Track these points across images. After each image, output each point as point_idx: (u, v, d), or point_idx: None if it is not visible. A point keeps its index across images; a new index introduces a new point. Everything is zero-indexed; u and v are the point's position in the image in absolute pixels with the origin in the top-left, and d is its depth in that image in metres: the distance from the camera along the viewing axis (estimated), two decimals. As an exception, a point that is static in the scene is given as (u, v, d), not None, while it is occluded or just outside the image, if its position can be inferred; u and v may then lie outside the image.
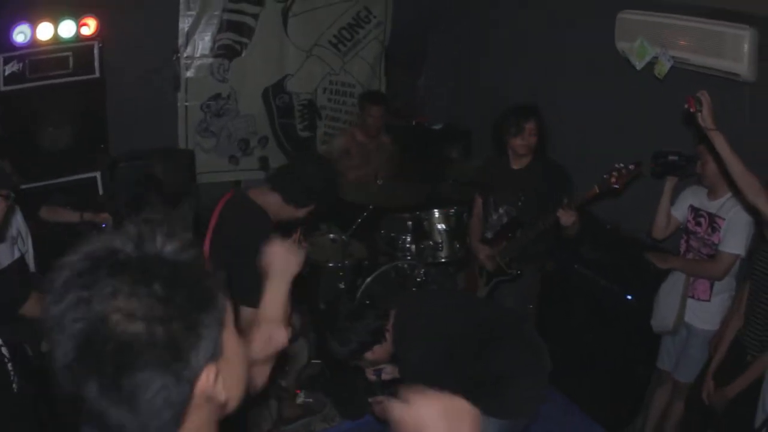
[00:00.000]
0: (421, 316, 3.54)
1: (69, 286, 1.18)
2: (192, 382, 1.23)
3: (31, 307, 3.10)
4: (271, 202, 3.65)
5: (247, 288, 3.30)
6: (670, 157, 4.30)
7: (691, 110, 3.38)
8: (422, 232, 5.75)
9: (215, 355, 1.26)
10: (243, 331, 3.15)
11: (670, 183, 4.45)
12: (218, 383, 1.28)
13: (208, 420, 1.33)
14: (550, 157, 4.89)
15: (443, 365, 3.31)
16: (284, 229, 4.04)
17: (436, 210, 5.74)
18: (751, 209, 3.67)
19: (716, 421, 4.13)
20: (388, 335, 3.46)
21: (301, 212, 3.74)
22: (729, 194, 4.21)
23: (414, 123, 7.60)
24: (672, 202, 4.54)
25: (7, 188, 3.01)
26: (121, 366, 1.15)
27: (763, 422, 2.75)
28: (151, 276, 1.19)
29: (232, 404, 1.40)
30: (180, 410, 1.23)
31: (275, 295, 2.58)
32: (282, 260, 2.61)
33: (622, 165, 4.28)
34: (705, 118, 3.39)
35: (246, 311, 3.35)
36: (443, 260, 5.75)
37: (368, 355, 3.50)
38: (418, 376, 3.27)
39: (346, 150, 6.21)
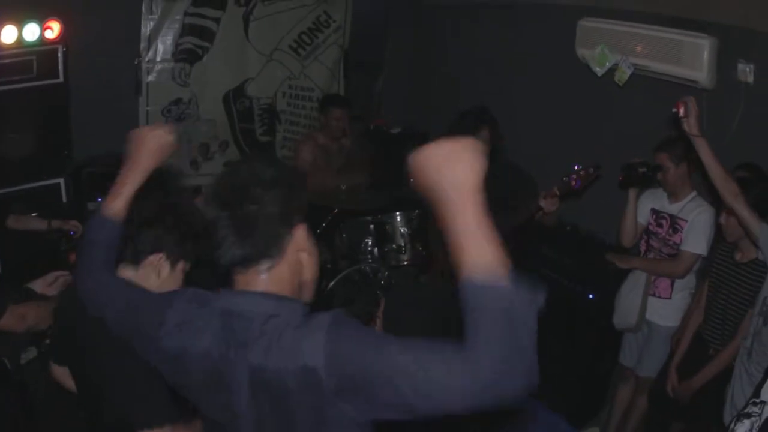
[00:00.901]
0: (409, 304, 3.57)
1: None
2: (291, 226, 1.85)
3: (8, 321, 2.98)
4: None
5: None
6: (640, 170, 4.34)
7: (680, 115, 3.49)
8: (385, 235, 5.78)
9: (301, 221, 1.88)
10: None
11: (633, 192, 4.52)
12: (308, 243, 1.90)
13: (295, 267, 1.88)
14: (509, 159, 4.91)
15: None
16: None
17: (398, 213, 5.75)
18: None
19: (679, 414, 4.28)
20: (378, 321, 3.48)
21: None
22: (690, 196, 4.37)
23: (372, 127, 7.63)
24: None
25: None
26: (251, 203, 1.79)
27: (734, 417, 2.87)
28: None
29: (306, 294, 1.94)
30: (283, 242, 1.84)
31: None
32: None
33: (581, 167, 4.36)
34: (691, 125, 3.49)
35: None
36: (406, 263, 5.76)
37: None
38: None
39: (312, 160, 6.21)
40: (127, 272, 2.47)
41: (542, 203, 4.43)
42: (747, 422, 2.74)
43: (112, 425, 2.51)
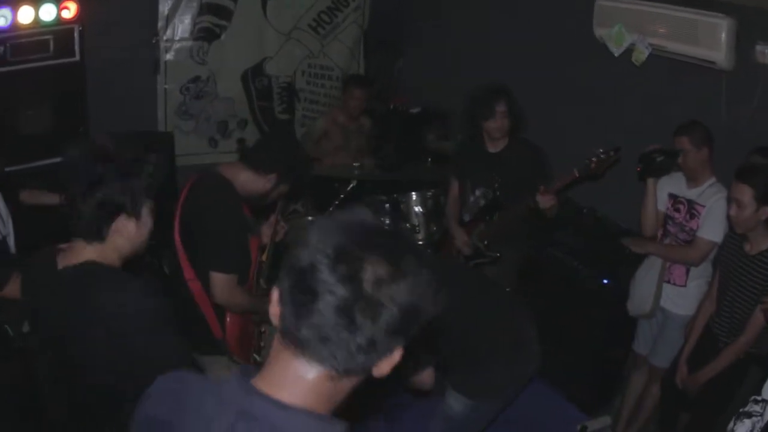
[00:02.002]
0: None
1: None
2: (393, 352, 1.41)
3: (12, 289, 2.99)
4: (238, 174, 3.63)
5: (217, 255, 3.38)
6: (658, 159, 4.29)
7: None
8: (399, 214, 5.77)
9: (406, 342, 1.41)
10: (215, 295, 3.27)
11: (652, 181, 4.46)
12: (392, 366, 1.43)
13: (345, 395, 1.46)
14: (527, 139, 4.91)
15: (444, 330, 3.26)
16: (262, 210, 4.09)
17: (413, 192, 5.74)
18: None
19: (687, 405, 4.23)
20: None
21: (265, 182, 3.68)
22: (709, 182, 4.28)
23: (392, 106, 7.62)
24: None
25: None
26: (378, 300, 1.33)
27: (735, 416, 2.81)
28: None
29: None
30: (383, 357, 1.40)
31: None
32: None
33: (602, 151, 4.33)
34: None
35: (215, 276, 3.43)
36: (420, 242, 5.75)
37: None
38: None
39: (325, 132, 6.24)
40: (88, 250, 2.46)
41: (538, 199, 4.43)
42: (748, 422, 2.69)
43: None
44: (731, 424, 2.77)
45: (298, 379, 1.39)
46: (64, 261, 2.48)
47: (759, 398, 2.74)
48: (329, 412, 1.44)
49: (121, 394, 2.47)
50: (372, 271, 1.32)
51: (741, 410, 2.78)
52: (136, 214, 2.47)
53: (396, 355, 1.40)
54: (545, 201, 4.45)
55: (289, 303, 1.36)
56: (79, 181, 2.38)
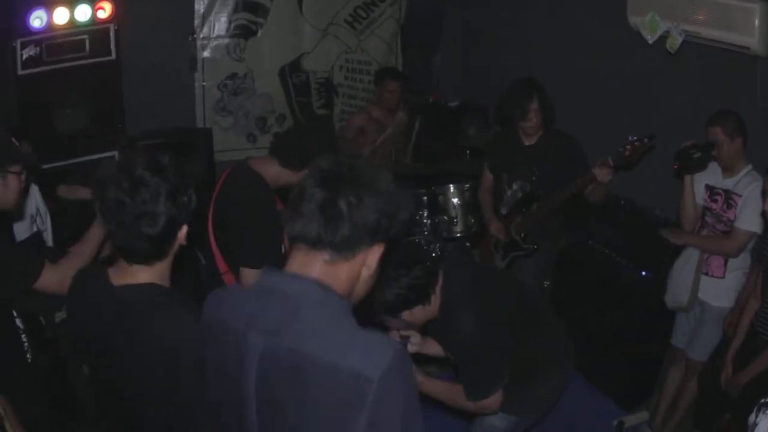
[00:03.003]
0: (473, 288, 3.23)
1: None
2: (376, 239, 1.86)
3: (45, 281, 2.96)
4: (269, 168, 3.63)
5: (246, 250, 3.39)
6: (695, 155, 4.21)
7: None
8: (437, 206, 5.75)
9: (386, 240, 1.89)
10: None
11: (689, 177, 4.40)
12: (376, 264, 1.91)
13: (354, 275, 1.89)
14: (560, 130, 4.89)
15: (491, 344, 3.12)
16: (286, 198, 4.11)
17: (451, 185, 5.72)
18: None
19: (731, 404, 4.12)
20: (434, 298, 3.10)
21: (297, 177, 3.55)
22: (745, 170, 4.19)
23: (431, 100, 7.60)
24: None
25: (19, 164, 2.97)
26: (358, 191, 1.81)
27: (756, 408, 2.72)
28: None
29: (356, 298, 1.94)
30: (363, 248, 1.85)
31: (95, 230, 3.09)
32: None
33: (636, 138, 4.26)
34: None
35: (246, 272, 3.44)
36: (458, 235, 5.74)
37: (406, 314, 3.11)
38: (464, 349, 3.17)
39: (361, 128, 6.25)
40: (148, 270, 2.33)
41: (596, 172, 4.36)
42: None
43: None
44: (753, 416, 2.69)
45: (306, 264, 1.83)
46: (118, 279, 2.34)
47: None
48: (342, 289, 1.86)
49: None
50: (348, 180, 1.80)
51: (762, 401, 2.70)
52: (189, 220, 2.36)
53: (379, 249, 1.88)
54: (604, 174, 4.35)
55: (287, 213, 1.84)
56: (124, 212, 2.19)
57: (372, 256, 1.87)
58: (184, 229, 2.32)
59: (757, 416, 2.65)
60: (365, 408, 1.65)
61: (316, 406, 1.72)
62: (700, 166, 4.32)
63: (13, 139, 3.15)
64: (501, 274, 4.32)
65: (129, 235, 2.22)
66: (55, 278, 2.95)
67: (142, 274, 2.30)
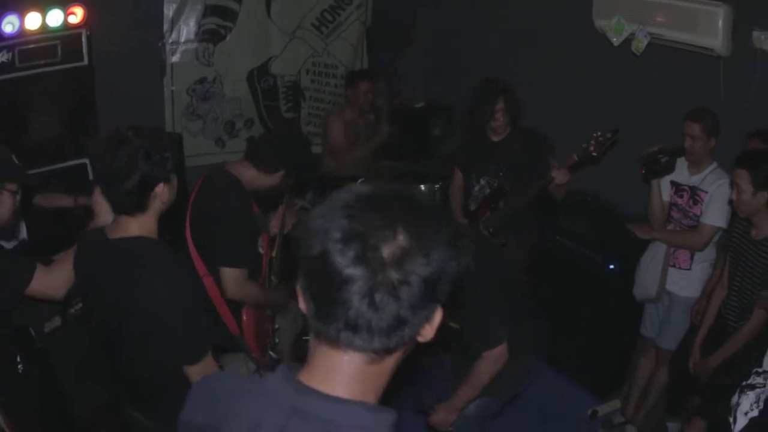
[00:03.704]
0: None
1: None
2: (431, 318, 1.38)
3: (37, 284, 2.99)
4: (245, 171, 3.76)
5: (225, 251, 3.48)
6: (662, 160, 4.36)
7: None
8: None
9: (444, 301, 1.38)
10: (227, 290, 3.39)
11: (656, 181, 4.53)
12: (435, 328, 1.40)
13: (388, 376, 1.45)
14: (529, 127, 4.98)
15: (495, 298, 3.37)
16: (269, 203, 4.17)
17: (421, 186, 5.79)
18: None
19: (698, 389, 4.26)
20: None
21: (272, 179, 3.82)
22: (711, 168, 4.35)
23: (396, 102, 7.67)
24: None
25: (17, 181, 3.03)
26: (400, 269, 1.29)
27: (738, 390, 2.85)
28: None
29: None
30: (419, 328, 1.36)
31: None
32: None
33: (599, 134, 4.39)
34: None
35: (226, 271, 3.53)
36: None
37: None
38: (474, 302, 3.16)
39: (343, 131, 6.28)
40: (131, 221, 2.63)
41: (554, 174, 4.47)
42: (752, 394, 2.74)
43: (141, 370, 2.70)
44: (735, 398, 2.82)
45: (341, 371, 1.37)
46: (113, 233, 2.67)
47: (760, 370, 2.79)
48: (379, 395, 1.43)
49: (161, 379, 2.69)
50: (385, 247, 1.28)
51: (744, 383, 2.83)
52: (166, 180, 2.62)
53: (436, 318, 1.38)
54: (561, 175, 4.48)
55: (310, 300, 1.35)
56: (109, 167, 2.55)
57: (430, 329, 1.40)
58: (161, 185, 2.61)
59: (739, 397, 2.78)
60: None
61: None
62: (667, 170, 4.46)
63: (13, 157, 3.14)
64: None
65: (112, 189, 2.59)
66: (47, 281, 3.02)
67: (132, 227, 2.63)
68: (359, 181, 4.52)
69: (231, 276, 3.57)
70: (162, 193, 2.62)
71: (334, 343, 1.35)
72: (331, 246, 1.28)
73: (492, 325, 3.37)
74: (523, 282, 4.12)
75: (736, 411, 2.78)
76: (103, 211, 3.04)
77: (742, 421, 2.69)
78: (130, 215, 2.63)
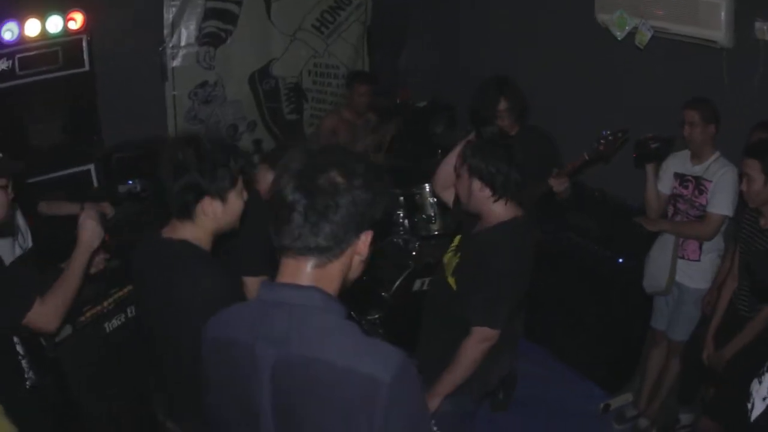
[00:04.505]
0: (523, 234, 3.48)
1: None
2: (361, 229, 1.85)
3: (33, 317, 2.94)
4: (263, 179, 3.72)
5: (243, 260, 3.44)
6: (652, 145, 4.36)
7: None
8: (414, 206, 5.81)
9: (372, 226, 1.88)
10: (247, 298, 3.36)
11: (651, 167, 4.53)
12: (367, 249, 1.89)
13: (346, 268, 1.90)
14: (536, 126, 4.94)
15: (510, 283, 3.32)
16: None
17: (427, 184, 5.77)
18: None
19: (712, 379, 4.26)
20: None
21: None
22: (714, 157, 4.34)
23: (398, 101, 7.66)
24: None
25: (3, 175, 2.93)
26: (334, 194, 1.78)
27: (756, 377, 2.83)
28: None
29: (348, 283, 1.95)
30: (350, 242, 1.85)
31: (77, 263, 3.08)
32: (90, 232, 3.13)
33: (609, 132, 4.35)
34: None
35: (249, 281, 3.49)
36: (436, 233, 5.79)
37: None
38: (491, 273, 3.26)
39: (333, 130, 6.28)
40: (182, 227, 2.65)
41: (552, 182, 4.44)
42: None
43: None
44: (755, 384, 2.81)
45: (299, 271, 1.84)
46: (167, 233, 2.69)
47: None
48: (334, 289, 1.87)
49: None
50: (319, 181, 1.77)
51: (761, 371, 2.82)
52: (221, 197, 2.60)
53: (367, 238, 1.87)
54: (558, 184, 4.45)
55: (272, 226, 1.85)
56: (164, 166, 2.57)
57: (362, 245, 1.87)
58: (208, 199, 2.59)
59: (759, 383, 2.75)
60: (380, 409, 1.70)
61: (332, 408, 1.75)
62: (658, 157, 4.47)
63: None
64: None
65: (161, 186, 2.62)
66: (43, 316, 2.98)
67: (181, 231, 2.65)
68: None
69: (253, 285, 3.53)
70: (210, 210, 2.61)
71: (290, 252, 1.84)
72: (283, 183, 1.81)
73: (498, 305, 3.29)
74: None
75: (754, 397, 2.76)
76: (86, 239, 3.11)
77: (760, 407, 2.67)
78: (179, 220, 2.64)
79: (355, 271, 1.94)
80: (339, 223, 1.78)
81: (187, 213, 2.61)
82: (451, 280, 3.50)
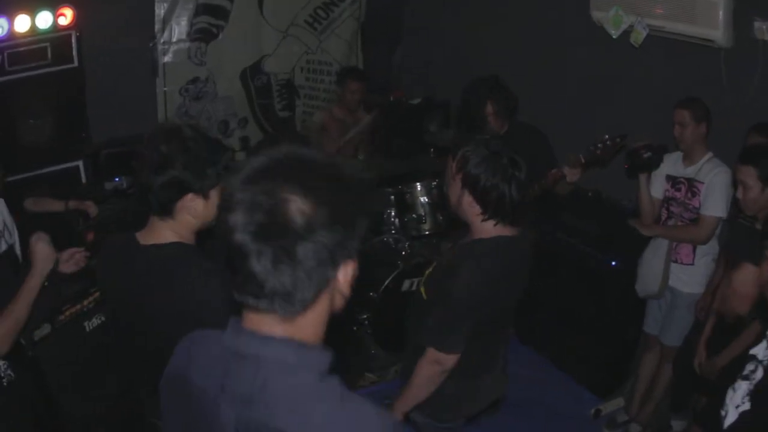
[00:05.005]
0: (494, 254, 3.13)
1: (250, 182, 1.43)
2: (337, 267, 1.48)
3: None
4: None
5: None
6: (645, 155, 4.31)
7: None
8: (405, 205, 5.77)
9: (352, 256, 1.50)
10: None
11: (644, 176, 4.50)
12: (348, 280, 1.53)
13: (326, 313, 1.56)
14: (527, 123, 4.91)
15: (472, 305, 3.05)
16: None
17: (418, 183, 5.74)
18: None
19: (704, 387, 4.19)
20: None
21: None
22: (706, 158, 4.29)
23: (392, 98, 7.61)
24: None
25: None
26: (294, 238, 1.40)
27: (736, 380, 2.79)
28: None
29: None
30: (322, 287, 1.48)
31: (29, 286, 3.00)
32: (43, 256, 3.02)
33: (608, 137, 4.30)
34: None
35: None
36: (427, 232, 5.78)
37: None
38: (451, 294, 3.04)
39: (324, 127, 6.23)
40: (164, 227, 2.53)
41: (566, 171, 4.38)
42: (744, 385, 2.68)
43: None
44: (729, 392, 2.76)
45: (264, 321, 1.50)
46: (145, 239, 2.55)
47: (752, 354, 2.72)
48: (317, 336, 1.56)
49: None
50: (281, 216, 1.39)
51: (739, 375, 2.78)
52: (203, 194, 2.50)
53: (349, 268, 1.51)
54: (573, 174, 4.38)
55: (226, 268, 1.48)
56: (146, 160, 2.44)
57: (343, 282, 1.52)
58: (191, 195, 2.47)
59: (735, 389, 2.71)
60: None
61: None
62: (650, 166, 4.41)
63: None
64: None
65: (144, 180, 2.46)
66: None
67: (166, 233, 2.52)
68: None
69: None
70: (191, 206, 2.49)
71: (252, 309, 1.50)
72: (233, 219, 1.40)
73: (451, 330, 3.04)
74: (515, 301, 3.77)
75: (728, 405, 2.71)
76: (38, 264, 3.04)
77: (733, 415, 2.62)
78: (161, 218, 2.52)
79: (339, 303, 1.59)
80: (309, 266, 1.42)
81: (167, 211, 2.50)
82: (422, 289, 3.35)
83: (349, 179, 1.51)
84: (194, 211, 2.51)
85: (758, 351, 2.60)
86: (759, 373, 2.55)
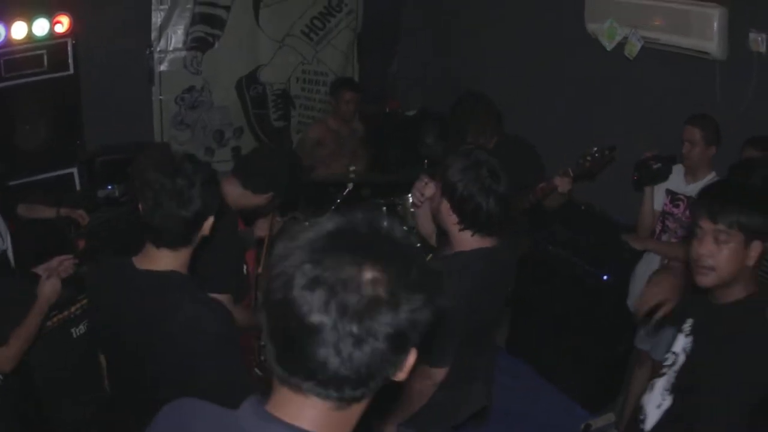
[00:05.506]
0: (478, 267, 3.10)
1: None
2: (402, 363, 1.32)
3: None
4: (231, 189, 3.52)
5: (215, 276, 3.29)
6: (654, 166, 4.30)
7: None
8: (397, 217, 5.77)
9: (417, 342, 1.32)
10: None
11: (649, 188, 4.47)
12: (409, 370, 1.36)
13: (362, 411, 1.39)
14: (517, 136, 4.90)
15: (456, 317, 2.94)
16: (248, 219, 4.06)
17: (410, 195, 5.73)
18: None
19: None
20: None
21: (259, 200, 3.62)
22: (709, 177, 4.26)
23: (388, 110, 7.62)
24: None
25: None
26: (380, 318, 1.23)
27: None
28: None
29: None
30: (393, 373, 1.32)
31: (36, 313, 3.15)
32: (50, 293, 3.16)
33: (596, 149, 4.30)
34: None
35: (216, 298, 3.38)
36: (418, 245, 5.74)
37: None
38: None
39: (319, 139, 6.22)
40: (163, 255, 2.45)
41: (557, 182, 4.38)
42: (661, 381, 2.67)
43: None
44: (644, 396, 2.76)
45: (304, 415, 1.31)
46: (142, 264, 2.48)
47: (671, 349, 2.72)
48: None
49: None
50: (350, 296, 1.22)
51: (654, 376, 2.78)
52: (213, 213, 2.49)
53: (409, 361, 1.34)
54: (564, 184, 4.38)
55: (272, 345, 1.31)
56: (170, 192, 2.36)
57: (402, 374, 1.35)
58: (210, 219, 2.46)
59: (651, 390, 2.70)
60: None
61: None
62: (660, 177, 4.39)
63: None
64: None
65: (163, 216, 2.36)
66: (3, 359, 3.15)
67: (166, 260, 2.44)
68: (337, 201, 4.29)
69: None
70: (208, 226, 2.48)
71: (297, 390, 1.30)
72: (294, 293, 1.23)
73: (443, 342, 2.98)
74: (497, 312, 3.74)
75: (646, 408, 2.69)
76: (45, 298, 3.19)
77: (654, 415, 2.60)
78: (171, 248, 2.44)
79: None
80: (376, 357, 1.25)
81: (189, 239, 2.45)
82: None
83: (417, 259, 1.32)
84: (205, 230, 2.50)
85: (676, 346, 2.61)
86: (681, 358, 2.54)
